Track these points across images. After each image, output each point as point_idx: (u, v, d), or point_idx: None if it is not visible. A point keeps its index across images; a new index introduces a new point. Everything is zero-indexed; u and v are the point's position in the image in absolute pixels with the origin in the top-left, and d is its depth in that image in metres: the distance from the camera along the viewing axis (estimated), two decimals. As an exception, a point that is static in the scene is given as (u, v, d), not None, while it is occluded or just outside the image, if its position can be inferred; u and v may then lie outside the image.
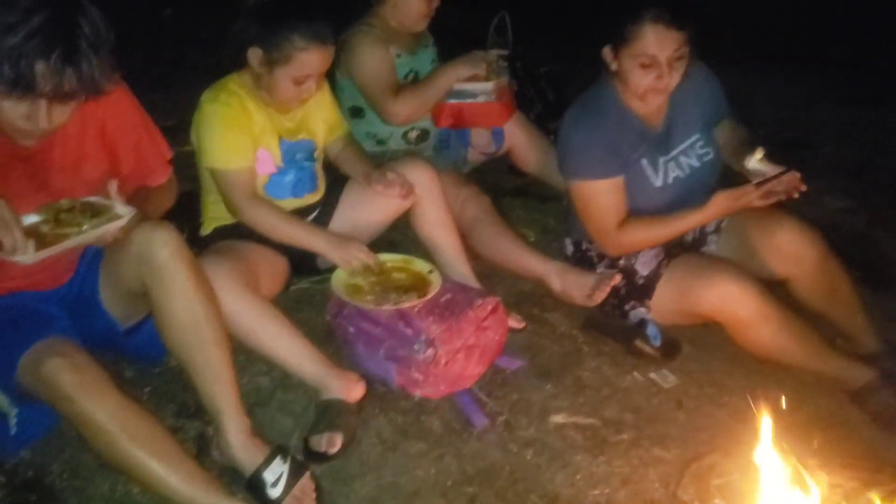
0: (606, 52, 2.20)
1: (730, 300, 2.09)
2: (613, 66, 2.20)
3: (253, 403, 2.03)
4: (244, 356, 2.13)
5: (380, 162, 2.65)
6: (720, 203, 2.14)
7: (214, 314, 1.78)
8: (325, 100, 2.41)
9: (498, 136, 2.93)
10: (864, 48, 5.18)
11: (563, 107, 3.55)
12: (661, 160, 2.30)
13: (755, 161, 2.16)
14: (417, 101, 2.68)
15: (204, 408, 1.83)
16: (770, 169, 2.12)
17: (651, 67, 2.11)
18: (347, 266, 2.19)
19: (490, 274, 2.59)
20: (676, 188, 2.32)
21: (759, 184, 2.09)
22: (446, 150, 2.87)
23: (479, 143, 2.92)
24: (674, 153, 2.33)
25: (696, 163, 2.35)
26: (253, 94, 2.21)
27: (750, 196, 2.10)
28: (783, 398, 1.90)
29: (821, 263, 2.28)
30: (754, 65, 4.94)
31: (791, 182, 2.10)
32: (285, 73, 2.12)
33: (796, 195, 2.13)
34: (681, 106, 2.30)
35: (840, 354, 2.27)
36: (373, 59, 2.66)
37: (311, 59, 2.11)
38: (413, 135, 2.82)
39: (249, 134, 2.17)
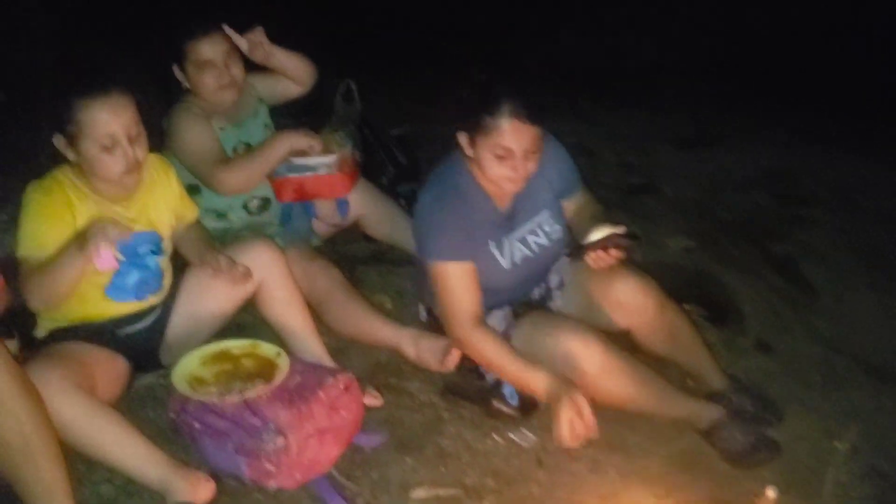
0: (462, 137, 2.20)
1: (574, 357, 2.13)
2: (469, 153, 2.21)
3: (95, 514, 1.90)
4: (84, 465, 2.00)
5: (223, 239, 2.61)
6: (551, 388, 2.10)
7: (44, 425, 1.68)
8: (171, 185, 2.31)
9: (342, 206, 2.90)
10: (695, 90, 5.49)
11: (414, 169, 3.64)
12: (506, 240, 2.32)
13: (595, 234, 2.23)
14: (247, 170, 2.57)
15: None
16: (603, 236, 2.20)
17: (506, 159, 2.13)
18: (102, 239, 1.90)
19: (345, 347, 2.55)
20: (525, 268, 2.36)
21: (587, 248, 2.19)
22: (291, 224, 2.82)
23: (325, 213, 2.89)
24: (520, 232, 2.35)
25: (544, 241, 2.38)
26: (81, 185, 2.08)
27: None
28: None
29: (659, 312, 2.36)
30: (594, 108, 5.19)
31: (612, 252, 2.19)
32: (89, 146, 1.99)
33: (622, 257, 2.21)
34: (529, 185, 2.29)
35: (688, 396, 2.35)
36: (193, 134, 2.57)
37: (99, 118, 1.97)
38: (254, 204, 2.75)
39: (64, 225, 2.02)
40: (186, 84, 2.63)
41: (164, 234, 2.26)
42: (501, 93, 2.10)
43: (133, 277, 2.15)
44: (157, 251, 2.21)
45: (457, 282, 2.20)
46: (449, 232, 2.21)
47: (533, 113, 2.10)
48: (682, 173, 4.27)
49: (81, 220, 2.05)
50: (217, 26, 2.60)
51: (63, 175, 2.09)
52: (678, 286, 3.10)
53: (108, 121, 1.99)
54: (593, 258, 2.20)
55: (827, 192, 4.13)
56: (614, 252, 2.19)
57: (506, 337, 2.27)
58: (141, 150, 2.09)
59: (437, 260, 2.21)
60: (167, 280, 2.29)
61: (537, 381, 2.10)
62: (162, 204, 2.27)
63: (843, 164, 4.43)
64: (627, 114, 5.16)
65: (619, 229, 2.21)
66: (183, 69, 2.60)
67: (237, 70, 2.64)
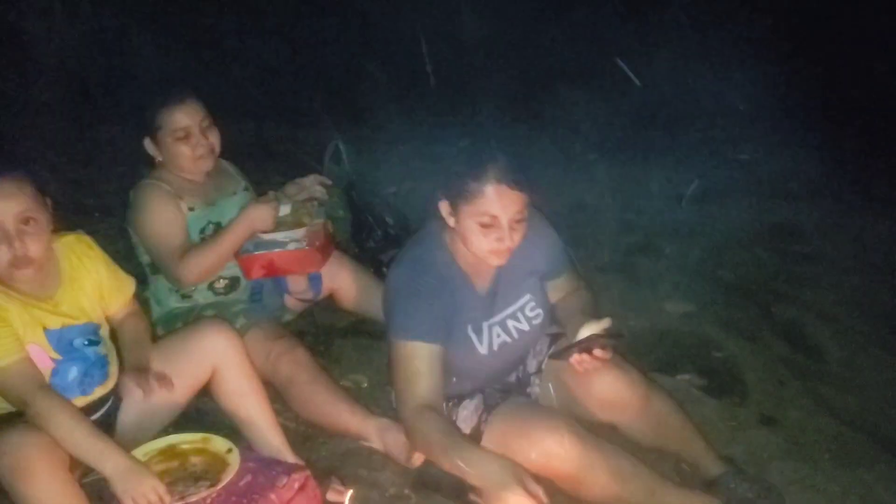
0: (444, 206, 2.08)
1: (550, 456, 1.98)
2: (451, 222, 2.08)
3: None
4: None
5: (187, 318, 2.51)
6: None
7: None
8: (96, 264, 2.15)
9: (315, 281, 2.77)
10: (698, 145, 5.38)
11: (404, 232, 3.53)
12: (486, 325, 2.18)
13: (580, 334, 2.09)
14: (206, 263, 2.47)
15: None
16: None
17: (492, 228, 2.00)
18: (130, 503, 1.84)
19: (313, 435, 2.42)
20: (503, 354, 2.22)
21: (570, 350, 2.06)
22: (260, 301, 2.70)
23: (297, 289, 2.76)
24: (500, 317, 2.22)
25: (525, 326, 2.24)
26: (6, 284, 1.96)
27: None
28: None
29: (644, 405, 2.23)
30: (598, 162, 5.07)
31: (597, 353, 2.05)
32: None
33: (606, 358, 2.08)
34: (511, 265, 2.15)
35: (680, 488, 2.18)
36: (157, 219, 2.47)
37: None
38: (220, 285, 2.63)
39: (9, 328, 1.91)
40: (159, 157, 2.54)
41: (99, 321, 2.13)
42: (486, 158, 1.99)
43: (73, 373, 2.02)
44: (95, 341, 2.09)
45: (420, 364, 2.02)
46: (421, 310, 2.05)
47: (519, 179, 1.98)
48: (682, 231, 4.13)
49: (18, 322, 1.94)
50: (191, 94, 2.54)
51: None
52: (675, 355, 3.03)
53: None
54: (577, 360, 2.06)
55: (835, 249, 3.99)
56: (598, 353, 2.05)
57: (476, 433, 2.12)
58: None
59: (403, 339, 2.05)
60: (113, 367, 2.15)
61: (485, 474, 1.87)
62: (90, 288, 2.13)
63: (851, 220, 4.30)
64: (630, 168, 5.03)
65: (605, 323, 2.08)
66: (156, 141, 2.52)
67: (214, 138, 2.57)
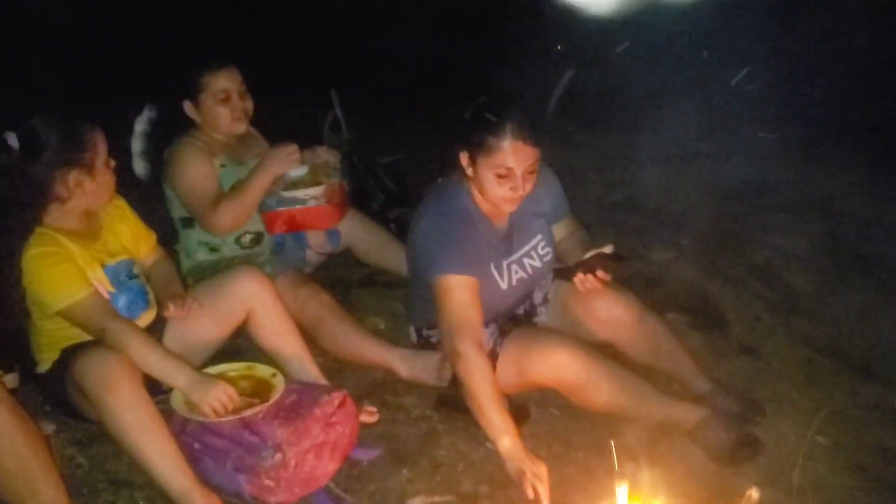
0: (463, 157, 2.29)
1: (561, 369, 2.22)
2: (469, 172, 2.30)
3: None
4: (88, 487, 2.12)
5: (215, 270, 2.70)
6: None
7: (42, 452, 1.83)
8: (126, 215, 2.42)
9: (334, 236, 3.00)
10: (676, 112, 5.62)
11: (404, 195, 3.74)
12: (505, 263, 2.41)
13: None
14: (237, 210, 2.68)
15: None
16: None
17: (507, 178, 2.22)
18: (209, 409, 2.08)
19: (341, 368, 2.64)
20: (520, 289, 2.46)
21: (574, 269, 2.31)
22: (283, 254, 2.91)
23: (316, 243, 2.98)
24: (517, 255, 2.45)
25: (538, 263, 2.48)
26: (62, 230, 2.18)
27: None
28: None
29: (638, 325, 2.47)
30: (578, 132, 5.31)
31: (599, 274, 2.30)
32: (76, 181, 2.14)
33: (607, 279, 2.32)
34: (523, 208, 2.39)
35: (673, 399, 2.40)
36: (193, 172, 2.68)
37: (100, 137, 2.17)
38: (246, 239, 2.84)
39: (76, 264, 2.15)
40: (198, 118, 2.75)
41: (135, 259, 2.39)
42: (505, 114, 2.21)
43: (122, 300, 2.26)
44: (136, 275, 2.36)
45: (462, 294, 2.23)
46: (455, 246, 2.27)
47: (534, 135, 2.21)
48: (663, 188, 4.39)
49: (81, 261, 2.18)
50: (232, 60, 2.76)
51: (42, 228, 2.16)
52: (662, 297, 3.24)
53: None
54: (580, 279, 2.31)
55: (806, 200, 4.25)
56: (600, 273, 2.29)
57: (493, 354, 2.35)
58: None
59: (443, 273, 2.25)
60: (151, 296, 2.40)
61: (499, 442, 2.08)
62: (128, 233, 2.41)
63: (821, 174, 4.56)
64: (610, 136, 5.28)
65: (607, 248, 2.32)
66: (197, 103, 2.72)
67: (249, 104, 2.79)
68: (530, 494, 1.98)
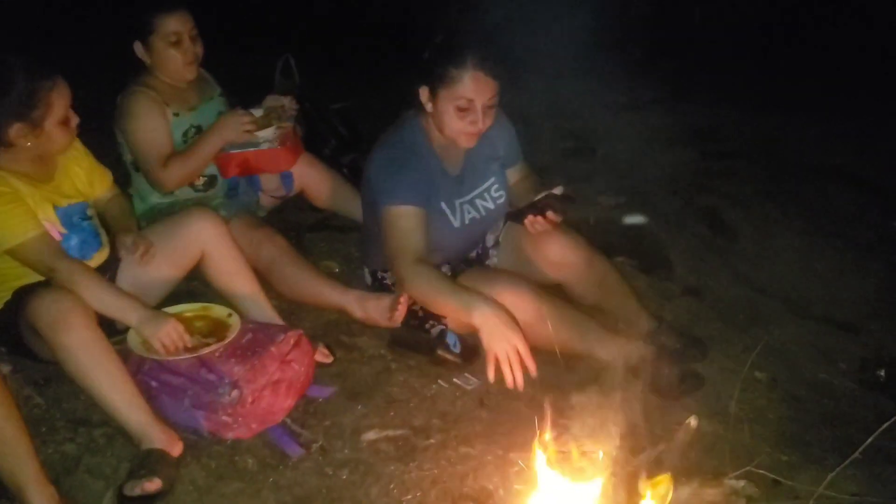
0: (423, 92, 2.30)
1: (511, 308, 2.27)
2: (429, 107, 2.31)
3: (60, 472, 2.00)
4: (46, 426, 2.13)
5: (170, 212, 2.68)
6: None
7: (14, 416, 1.82)
8: (81, 156, 2.41)
9: (287, 179, 3.00)
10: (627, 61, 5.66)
11: (356, 141, 3.74)
12: (458, 202, 2.45)
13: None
14: (184, 171, 2.69)
15: (5, 486, 1.82)
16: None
17: (467, 111, 2.24)
18: (159, 344, 2.12)
19: (296, 310, 2.67)
20: (473, 228, 2.51)
21: (525, 211, 2.37)
22: (237, 197, 2.91)
23: (270, 187, 2.98)
24: (470, 196, 2.49)
25: (490, 205, 2.53)
26: (13, 171, 2.16)
27: None
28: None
29: (587, 266, 2.53)
30: (533, 80, 5.31)
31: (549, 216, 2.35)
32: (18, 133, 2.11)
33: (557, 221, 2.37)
34: (478, 151, 2.43)
35: (618, 337, 2.48)
36: (144, 127, 2.65)
37: (58, 98, 2.13)
38: (199, 182, 2.83)
39: (26, 205, 2.13)
40: (148, 60, 2.70)
41: (88, 201, 2.38)
42: (466, 46, 2.23)
43: (74, 241, 2.26)
44: (89, 216, 2.35)
45: (407, 222, 2.27)
46: (406, 178, 2.30)
47: (495, 67, 2.23)
48: (613, 135, 4.43)
49: (32, 202, 2.16)
50: (183, 3, 2.70)
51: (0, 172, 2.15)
52: (610, 240, 3.30)
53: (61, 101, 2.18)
54: (530, 221, 2.36)
55: (749, 146, 4.36)
56: (550, 216, 2.34)
57: None
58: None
59: (392, 204, 2.29)
60: (103, 237, 2.41)
61: (475, 312, 2.13)
62: (83, 174, 2.39)
63: (764, 121, 4.66)
64: (563, 85, 5.29)
65: (557, 190, 2.37)
66: (147, 45, 2.67)
67: (199, 48, 2.75)
68: (492, 378, 2.08)
